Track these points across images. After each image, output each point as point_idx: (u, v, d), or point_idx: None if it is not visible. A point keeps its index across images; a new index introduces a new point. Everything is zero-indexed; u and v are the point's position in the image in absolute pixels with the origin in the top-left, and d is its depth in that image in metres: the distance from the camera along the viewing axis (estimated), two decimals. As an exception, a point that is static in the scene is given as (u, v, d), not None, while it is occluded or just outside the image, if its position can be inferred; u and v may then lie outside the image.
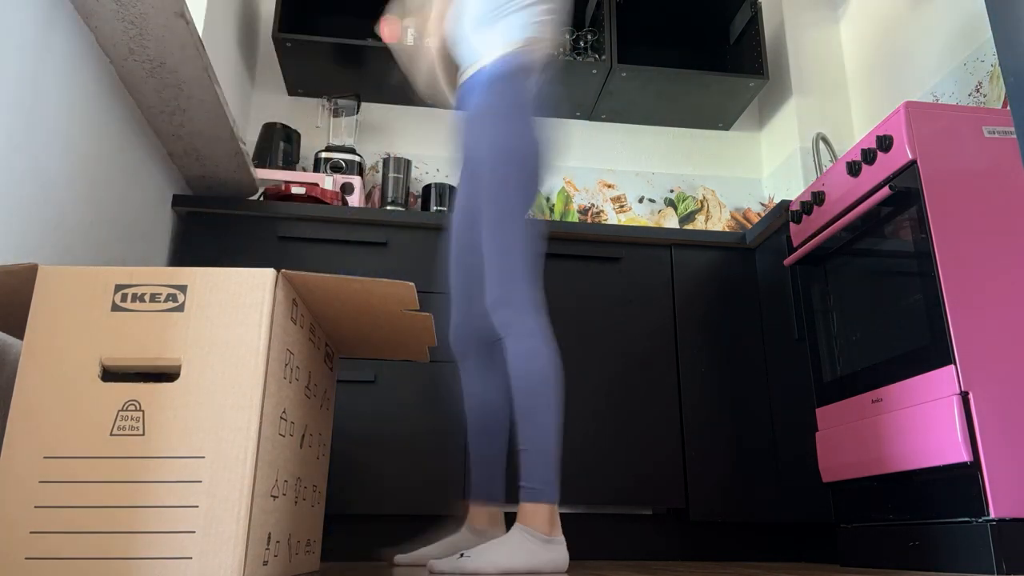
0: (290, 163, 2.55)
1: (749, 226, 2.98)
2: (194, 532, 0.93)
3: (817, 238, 1.82)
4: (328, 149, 2.60)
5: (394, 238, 2.12)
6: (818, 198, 1.88)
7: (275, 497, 1.06)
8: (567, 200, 2.93)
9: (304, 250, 2.07)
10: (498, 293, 1.51)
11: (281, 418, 1.09)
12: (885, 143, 1.64)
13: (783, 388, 2.06)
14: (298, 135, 2.60)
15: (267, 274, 1.04)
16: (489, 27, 1.67)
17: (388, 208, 2.59)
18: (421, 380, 2.00)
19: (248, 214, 2.06)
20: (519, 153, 1.57)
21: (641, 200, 2.97)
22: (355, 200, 2.46)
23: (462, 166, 1.75)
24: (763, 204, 3.03)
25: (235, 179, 2.10)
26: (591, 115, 3.02)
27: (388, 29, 1.82)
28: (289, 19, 2.69)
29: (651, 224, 2.94)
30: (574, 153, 3.01)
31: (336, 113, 2.72)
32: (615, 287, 2.17)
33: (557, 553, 1.39)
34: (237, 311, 1.02)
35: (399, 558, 1.62)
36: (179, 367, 1.00)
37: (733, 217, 2.99)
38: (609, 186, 2.98)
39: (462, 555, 1.34)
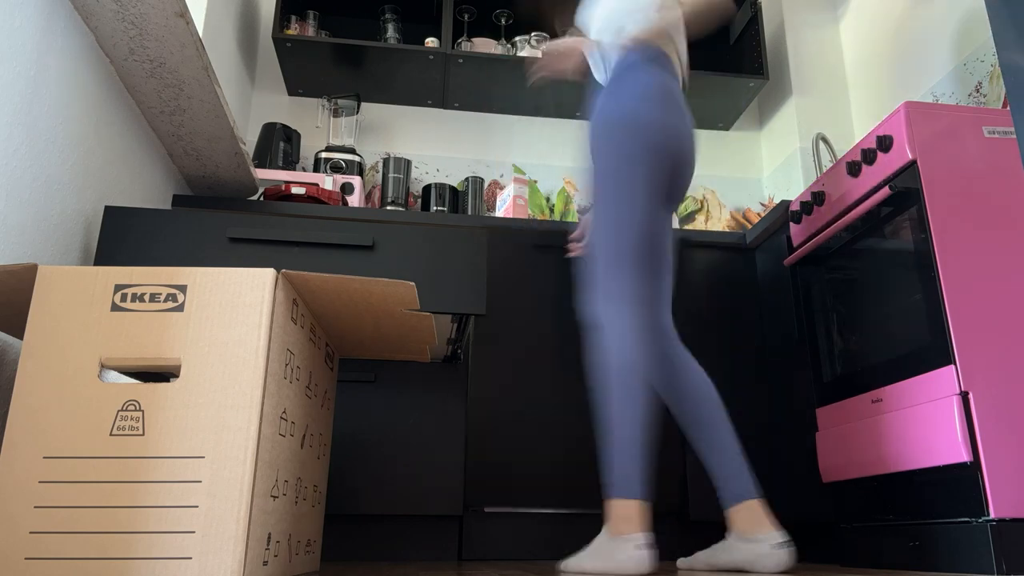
0: (290, 163, 2.55)
1: (749, 226, 2.98)
2: (194, 532, 0.93)
3: (817, 238, 1.82)
4: (328, 149, 2.60)
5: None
6: (818, 198, 1.88)
7: (275, 497, 1.06)
8: (567, 200, 2.93)
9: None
10: (593, 288, 1.52)
11: (281, 418, 1.09)
12: (885, 143, 1.64)
13: (783, 388, 2.06)
14: (298, 135, 2.60)
15: (267, 274, 1.04)
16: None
17: (388, 208, 2.59)
18: (421, 380, 2.00)
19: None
20: (621, 127, 1.53)
21: (641, 200, 2.96)
22: (355, 200, 2.46)
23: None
24: (763, 204, 3.03)
25: (235, 179, 2.10)
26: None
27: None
28: (289, 19, 2.69)
29: (651, 224, 2.94)
30: (574, 153, 3.01)
31: (336, 113, 2.72)
32: (615, 287, 2.17)
33: (623, 554, 1.34)
34: (237, 311, 1.02)
35: (681, 562, 1.58)
36: (179, 367, 1.00)
37: (733, 217, 2.99)
38: (609, 186, 2.97)
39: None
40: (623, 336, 1.44)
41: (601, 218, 1.53)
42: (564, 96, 2.88)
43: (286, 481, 1.12)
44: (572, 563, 1.39)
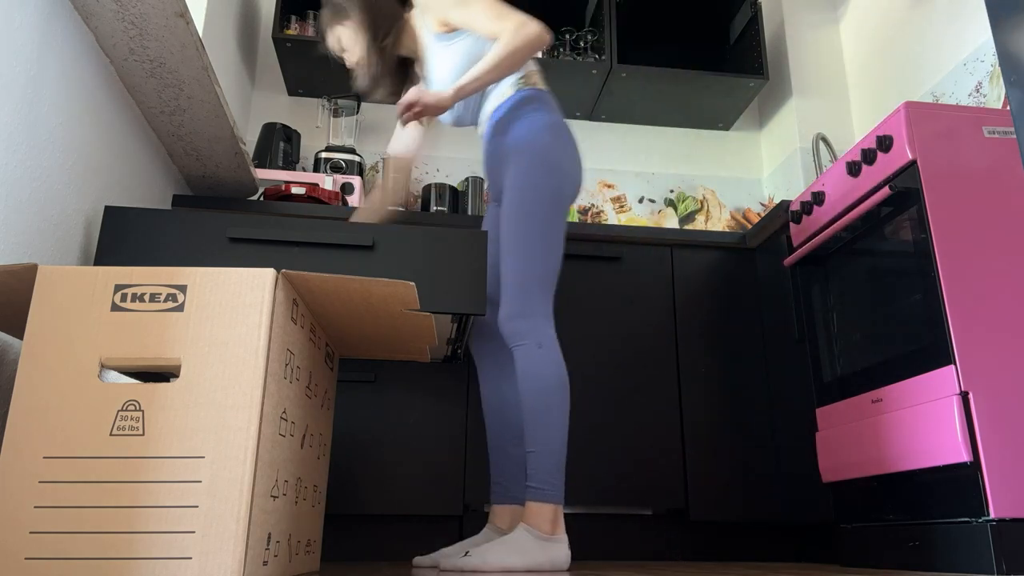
0: (290, 163, 2.55)
1: (749, 226, 2.98)
2: (194, 532, 0.93)
3: (817, 238, 1.82)
4: (328, 149, 2.60)
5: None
6: (818, 198, 1.88)
7: (275, 497, 1.06)
8: (567, 200, 2.93)
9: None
10: (515, 306, 1.54)
11: (281, 418, 1.09)
12: (885, 143, 1.64)
13: (783, 388, 2.06)
14: (298, 135, 2.60)
15: (267, 274, 1.04)
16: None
17: (388, 208, 2.58)
18: (421, 380, 2.00)
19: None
20: (541, 169, 1.62)
21: (641, 200, 2.97)
22: (355, 200, 2.46)
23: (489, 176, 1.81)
24: (763, 204, 3.03)
25: (235, 179, 2.10)
26: (591, 115, 3.02)
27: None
28: (289, 19, 2.69)
29: (651, 224, 2.94)
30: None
31: (336, 113, 2.72)
32: (615, 287, 2.17)
33: (557, 551, 1.43)
34: (237, 311, 1.02)
35: (417, 560, 1.62)
36: (179, 367, 1.00)
37: (733, 217, 2.99)
38: (609, 186, 2.98)
39: (467, 553, 1.36)
40: (558, 353, 1.54)
41: (535, 242, 1.58)
42: (562, 96, 2.88)
43: (286, 481, 1.12)
44: (491, 559, 1.36)
